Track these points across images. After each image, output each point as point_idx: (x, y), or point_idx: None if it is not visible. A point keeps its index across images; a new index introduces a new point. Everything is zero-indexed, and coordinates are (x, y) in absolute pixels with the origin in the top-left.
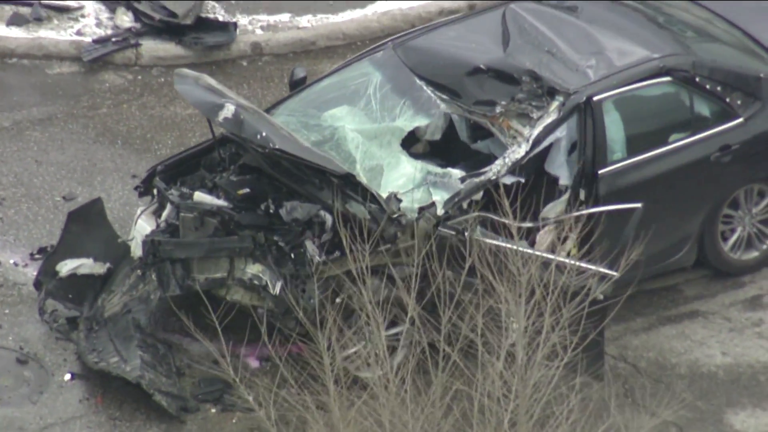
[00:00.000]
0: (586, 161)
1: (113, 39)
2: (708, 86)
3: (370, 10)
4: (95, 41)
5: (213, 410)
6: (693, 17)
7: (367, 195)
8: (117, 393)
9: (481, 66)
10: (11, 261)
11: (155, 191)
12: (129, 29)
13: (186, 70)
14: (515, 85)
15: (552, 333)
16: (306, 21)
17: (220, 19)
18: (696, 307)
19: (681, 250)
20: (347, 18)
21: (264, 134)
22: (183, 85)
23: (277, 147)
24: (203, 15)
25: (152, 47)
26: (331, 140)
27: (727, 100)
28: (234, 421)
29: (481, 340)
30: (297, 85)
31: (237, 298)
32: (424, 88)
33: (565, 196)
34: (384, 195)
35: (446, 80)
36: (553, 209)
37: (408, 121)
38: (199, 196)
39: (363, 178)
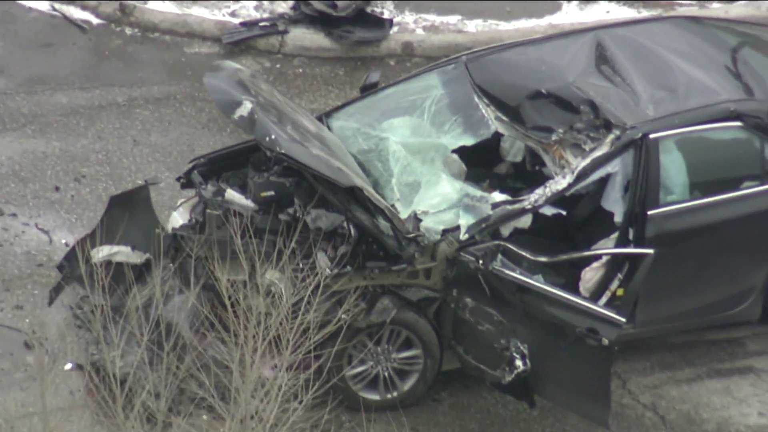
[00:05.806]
0: (636, 200)
1: (261, 24)
2: None
3: (546, 21)
4: (242, 24)
5: (205, 417)
6: None
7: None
8: (110, 388)
9: (543, 90)
10: (63, 241)
11: None
12: (282, 15)
13: (228, 63)
14: (575, 113)
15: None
16: (473, 26)
17: (386, 14)
18: (752, 363)
19: (743, 303)
20: (513, 27)
21: (273, 137)
22: (212, 78)
23: (282, 152)
24: (368, 9)
25: (299, 36)
26: (375, 150)
27: None
28: (222, 430)
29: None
30: (367, 90)
31: (253, 303)
32: (480, 106)
33: (615, 234)
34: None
35: (509, 100)
36: (603, 246)
37: (454, 138)
38: (230, 194)
39: (397, 193)
